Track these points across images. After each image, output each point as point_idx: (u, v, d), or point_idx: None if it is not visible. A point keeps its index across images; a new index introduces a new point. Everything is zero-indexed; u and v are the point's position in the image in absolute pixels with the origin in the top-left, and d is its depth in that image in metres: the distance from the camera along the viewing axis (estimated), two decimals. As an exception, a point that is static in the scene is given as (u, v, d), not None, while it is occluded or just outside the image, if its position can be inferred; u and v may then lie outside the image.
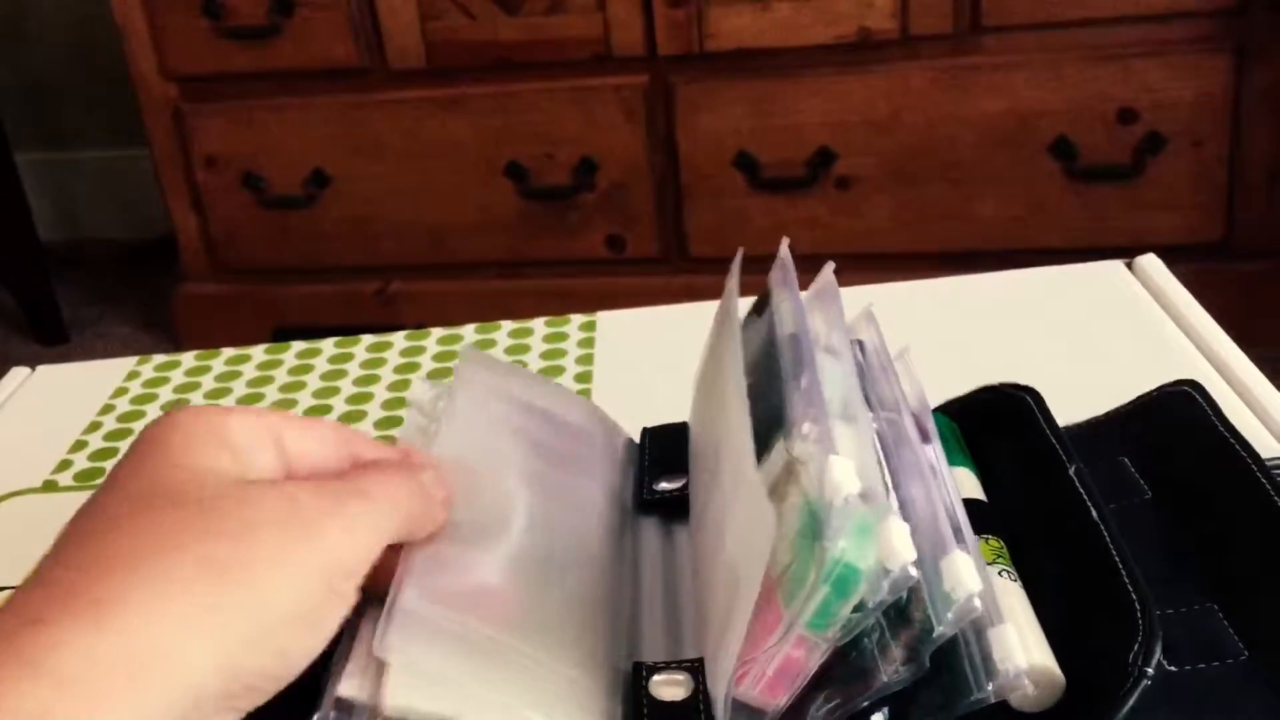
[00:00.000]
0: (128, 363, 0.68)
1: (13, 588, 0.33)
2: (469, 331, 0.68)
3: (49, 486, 0.59)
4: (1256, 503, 0.41)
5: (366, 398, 0.63)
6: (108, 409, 0.64)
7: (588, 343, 0.65)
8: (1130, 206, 1.50)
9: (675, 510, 0.47)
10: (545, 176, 1.65)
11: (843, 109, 1.53)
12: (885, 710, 0.35)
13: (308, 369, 0.66)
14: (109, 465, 0.57)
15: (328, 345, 0.68)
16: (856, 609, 0.32)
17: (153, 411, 0.64)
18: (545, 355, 0.65)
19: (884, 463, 0.38)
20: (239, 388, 0.65)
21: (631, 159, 1.62)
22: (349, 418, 0.61)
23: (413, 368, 0.65)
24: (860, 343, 0.44)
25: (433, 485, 0.38)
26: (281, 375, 0.66)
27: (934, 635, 0.33)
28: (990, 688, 0.33)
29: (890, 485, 0.37)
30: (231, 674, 0.31)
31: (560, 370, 0.63)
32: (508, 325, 0.68)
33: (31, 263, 2.03)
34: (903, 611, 0.33)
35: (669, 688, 0.37)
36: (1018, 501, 0.43)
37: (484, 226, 1.70)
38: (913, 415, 0.41)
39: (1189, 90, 1.44)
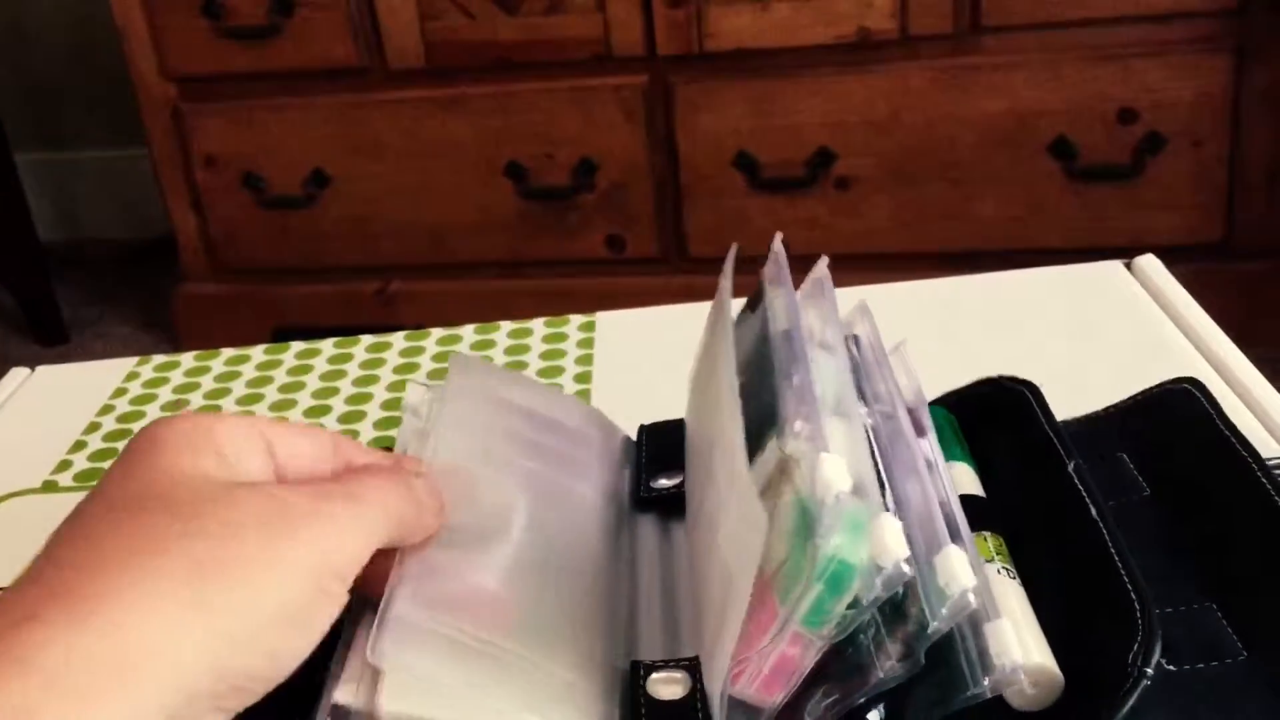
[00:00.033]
0: (127, 363, 0.68)
1: (7, 588, 0.33)
2: (469, 332, 0.68)
3: (49, 487, 0.59)
4: (1256, 502, 0.41)
5: (366, 398, 0.63)
6: (107, 409, 0.64)
7: (587, 343, 0.65)
8: (1130, 206, 1.50)
9: (672, 507, 0.47)
10: (545, 176, 1.65)
11: (842, 109, 1.53)
12: (881, 706, 0.35)
13: (307, 369, 0.66)
14: (109, 466, 0.57)
15: (327, 346, 0.68)
16: (851, 605, 0.32)
17: (152, 412, 0.64)
18: (544, 355, 0.64)
19: (879, 458, 0.38)
20: (238, 388, 0.65)
21: (631, 159, 1.62)
22: (348, 418, 0.61)
23: (412, 368, 0.65)
24: (855, 337, 0.44)
25: (424, 491, 0.38)
26: (281, 376, 0.66)
27: (929, 631, 0.33)
28: (986, 683, 0.32)
29: (885, 481, 0.37)
30: (220, 674, 0.31)
31: (560, 370, 0.63)
32: (507, 325, 0.68)
33: (31, 263, 2.03)
34: (898, 607, 0.33)
35: (667, 686, 0.37)
36: (1016, 497, 0.42)
37: (484, 226, 1.70)
38: (908, 409, 0.41)
39: (1189, 90, 1.44)
